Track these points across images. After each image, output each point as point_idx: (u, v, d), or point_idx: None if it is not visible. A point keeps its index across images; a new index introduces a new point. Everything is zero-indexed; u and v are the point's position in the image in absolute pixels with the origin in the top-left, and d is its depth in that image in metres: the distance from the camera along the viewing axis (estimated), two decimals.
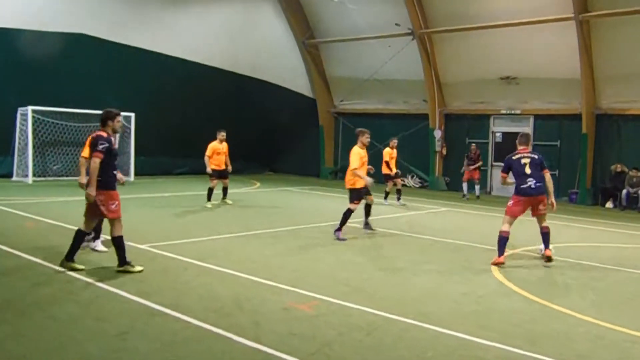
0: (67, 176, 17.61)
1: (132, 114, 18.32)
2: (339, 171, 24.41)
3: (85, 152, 7.64)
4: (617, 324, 5.46)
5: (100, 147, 6.44)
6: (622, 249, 10.19)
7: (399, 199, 15.51)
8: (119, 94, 18.28)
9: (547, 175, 8.28)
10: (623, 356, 4.72)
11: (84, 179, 7.47)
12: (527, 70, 18.82)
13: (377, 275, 7.17)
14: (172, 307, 5.42)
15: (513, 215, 8.22)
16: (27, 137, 16.72)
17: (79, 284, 6.18)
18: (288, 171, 25.33)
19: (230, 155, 13.84)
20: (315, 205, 15.04)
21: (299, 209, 13.80)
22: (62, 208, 11.79)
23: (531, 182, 8.10)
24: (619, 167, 17.08)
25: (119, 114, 6.87)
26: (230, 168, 13.82)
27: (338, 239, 9.50)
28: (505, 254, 8.07)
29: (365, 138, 9.89)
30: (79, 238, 6.78)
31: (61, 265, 6.67)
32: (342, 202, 15.64)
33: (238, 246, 8.68)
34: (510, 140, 20.23)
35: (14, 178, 17.01)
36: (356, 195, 9.78)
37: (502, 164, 8.63)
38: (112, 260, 7.32)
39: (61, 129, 17.47)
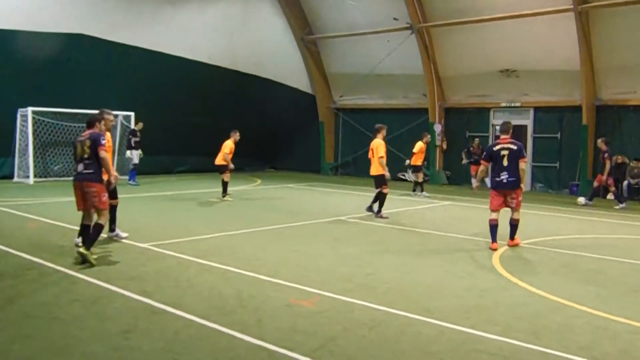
0: (68, 176, 17.60)
1: (132, 113, 18.33)
2: (340, 167, 24.43)
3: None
4: (620, 316, 5.46)
5: (103, 142, 7.24)
6: (625, 240, 10.19)
7: (421, 190, 16.63)
8: (119, 93, 18.28)
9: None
10: (626, 347, 4.71)
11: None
12: (526, 63, 18.79)
13: (379, 271, 7.18)
14: (174, 305, 5.43)
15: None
16: (27, 138, 16.73)
17: (82, 284, 6.18)
18: (289, 167, 25.34)
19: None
20: (316, 201, 15.05)
21: (301, 205, 13.79)
22: (63, 208, 11.78)
23: (504, 176, 8.46)
24: (620, 159, 17.02)
25: (108, 114, 7.84)
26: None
27: (381, 217, 11.56)
28: (503, 249, 8.12)
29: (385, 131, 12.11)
30: (86, 231, 7.31)
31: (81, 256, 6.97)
32: (343, 197, 15.72)
33: (239, 243, 8.69)
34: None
35: (15, 179, 17.03)
36: (382, 181, 11.63)
37: None
38: (115, 260, 7.34)
39: (61, 130, 17.47)
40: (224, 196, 14.14)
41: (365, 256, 8.02)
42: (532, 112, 19.57)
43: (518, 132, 19.87)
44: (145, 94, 18.90)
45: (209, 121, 20.85)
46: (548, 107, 19.10)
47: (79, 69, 17.50)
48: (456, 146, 21.03)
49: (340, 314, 5.38)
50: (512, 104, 19.83)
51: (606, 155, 14.99)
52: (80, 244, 7.23)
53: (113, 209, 8.47)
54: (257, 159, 24.12)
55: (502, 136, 8.75)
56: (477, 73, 20.07)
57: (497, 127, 20.40)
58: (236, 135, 14.17)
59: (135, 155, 17.22)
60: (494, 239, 8.62)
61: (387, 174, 11.70)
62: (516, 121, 19.83)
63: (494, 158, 8.57)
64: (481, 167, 9.04)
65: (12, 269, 6.78)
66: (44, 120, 17.08)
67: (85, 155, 7.18)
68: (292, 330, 4.88)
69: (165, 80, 19.53)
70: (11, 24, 15.92)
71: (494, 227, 8.63)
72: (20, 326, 4.85)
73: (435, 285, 6.53)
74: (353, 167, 24.16)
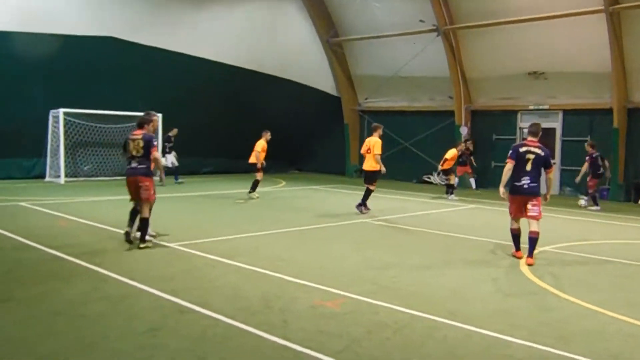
0: (97, 176, 17.95)
1: (159, 115, 18.53)
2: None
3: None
4: None
5: (155, 143, 8.22)
6: None
7: (450, 193, 16.77)
8: (146, 95, 18.52)
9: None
10: None
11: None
12: (555, 65, 18.49)
13: (404, 273, 7.14)
14: (201, 304, 5.48)
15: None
16: (59, 138, 17.09)
17: (110, 282, 6.29)
18: (313, 169, 25.37)
19: None
20: (341, 203, 15.03)
21: (325, 207, 13.79)
22: (92, 207, 12.01)
23: (525, 181, 7.82)
24: None
25: (154, 115, 8.60)
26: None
27: (361, 212, 12.33)
28: (536, 251, 7.98)
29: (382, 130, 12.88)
30: (134, 216, 8.27)
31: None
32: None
33: (265, 244, 8.73)
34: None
35: (47, 179, 17.40)
36: (374, 178, 12.45)
37: None
38: (142, 260, 7.45)
39: (91, 131, 17.80)
40: (250, 192, 14.56)
41: (389, 258, 7.99)
42: (561, 114, 19.25)
43: (546, 136, 19.61)
44: (171, 95, 19.11)
45: (234, 123, 21.02)
46: (577, 110, 18.75)
47: (107, 71, 17.80)
48: (482, 149, 20.79)
49: (364, 316, 5.37)
50: (540, 107, 19.53)
51: (587, 157, 14.94)
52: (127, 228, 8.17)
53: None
54: (281, 161, 24.19)
55: (530, 138, 8.02)
56: (504, 75, 19.83)
57: (525, 130, 20.23)
58: (267, 135, 14.62)
59: (169, 159, 17.54)
60: (517, 247, 8.19)
61: (383, 169, 12.36)
62: (545, 124, 19.47)
63: (518, 160, 7.88)
64: (507, 167, 7.98)
65: (43, 266, 6.94)
66: (74, 122, 17.42)
67: (139, 154, 8.06)
68: (317, 331, 4.89)
69: (191, 82, 19.74)
70: (43, 28, 16.28)
71: (516, 236, 8.17)
72: (50, 323, 4.96)
73: (461, 289, 6.47)
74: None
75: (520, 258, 8.03)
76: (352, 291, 6.11)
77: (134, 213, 8.23)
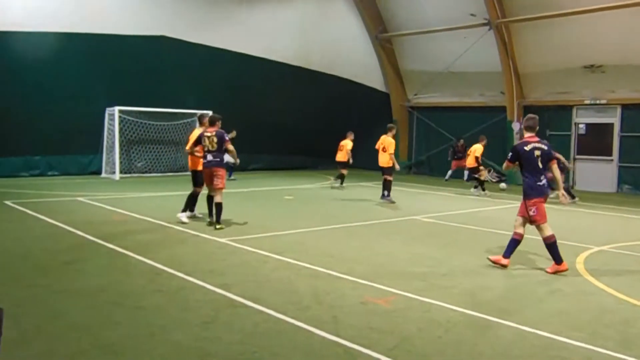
0: (150, 173, 18.43)
1: (210, 112, 18.88)
2: (414, 166, 24.10)
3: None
4: None
5: (227, 137, 9.51)
6: None
7: (475, 187, 16.94)
8: (198, 92, 18.92)
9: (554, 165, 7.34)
10: None
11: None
12: (613, 58, 17.79)
13: (454, 271, 7.04)
14: (252, 299, 5.56)
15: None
16: (114, 135, 17.63)
17: (165, 275, 6.46)
18: (362, 166, 25.18)
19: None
20: None
21: (374, 204, 13.73)
22: (145, 203, 12.36)
23: (544, 181, 7.15)
24: None
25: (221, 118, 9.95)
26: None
27: (390, 201, 13.52)
28: (587, 253, 7.69)
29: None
30: (210, 203, 9.72)
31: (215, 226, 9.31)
32: (417, 196, 15.53)
33: (314, 240, 8.78)
34: (594, 133, 19.45)
35: (103, 175, 17.99)
36: (390, 171, 13.86)
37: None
38: (196, 254, 7.62)
39: (145, 128, 18.28)
40: (340, 184, 16.70)
41: (440, 256, 7.89)
42: (619, 109, 18.52)
43: (604, 131, 18.95)
44: (221, 93, 19.42)
45: (282, 119, 21.18)
46: (637, 104, 18.01)
47: (160, 69, 18.25)
48: None
49: (415, 313, 5.32)
50: (597, 102, 18.85)
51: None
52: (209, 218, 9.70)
53: (196, 195, 10.25)
54: (329, 157, 24.19)
55: (528, 134, 7.33)
56: (558, 69, 19.23)
57: (580, 126, 19.56)
58: (351, 135, 16.47)
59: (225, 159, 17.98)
60: (560, 259, 7.06)
61: (397, 166, 13.95)
62: (602, 119, 18.98)
63: (526, 160, 7.14)
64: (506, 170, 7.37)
65: (100, 259, 7.20)
66: (129, 119, 17.94)
67: (213, 148, 9.33)
68: (368, 328, 4.88)
69: (240, 79, 20.00)
70: (100, 28, 16.83)
71: (554, 244, 7.08)
72: (110, 313, 5.13)
73: (515, 288, 6.33)
74: (427, 166, 23.80)
75: (566, 270, 7.02)
76: (402, 288, 6.07)
77: (210, 201, 9.60)
